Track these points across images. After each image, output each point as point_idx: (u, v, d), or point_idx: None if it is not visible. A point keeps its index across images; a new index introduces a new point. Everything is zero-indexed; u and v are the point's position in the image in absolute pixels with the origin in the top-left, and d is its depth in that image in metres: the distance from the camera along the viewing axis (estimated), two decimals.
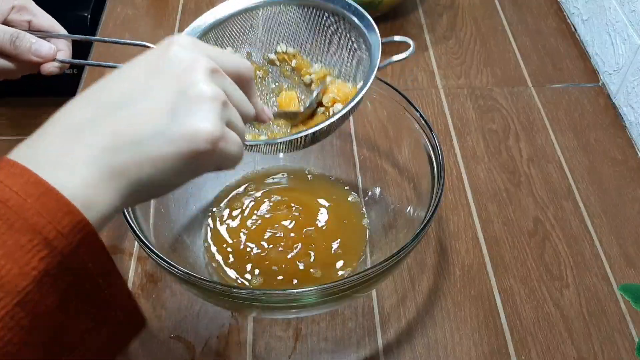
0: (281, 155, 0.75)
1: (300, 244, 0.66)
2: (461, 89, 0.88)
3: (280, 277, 0.63)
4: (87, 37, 0.60)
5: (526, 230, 0.71)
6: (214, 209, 0.70)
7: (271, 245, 0.66)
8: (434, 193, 0.57)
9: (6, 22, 0.54)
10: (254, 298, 0.52)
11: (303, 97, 0.60)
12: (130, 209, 0.55)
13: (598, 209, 0.73)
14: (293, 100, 0.59)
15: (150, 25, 0.98)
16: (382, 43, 0.53)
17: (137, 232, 0.53)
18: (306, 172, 0.74)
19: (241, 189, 0.72)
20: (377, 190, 0.71)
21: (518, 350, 0.60)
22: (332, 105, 0.56)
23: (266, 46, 0.59)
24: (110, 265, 0.32)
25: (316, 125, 0.50)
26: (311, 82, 0.59)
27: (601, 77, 0.90)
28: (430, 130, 0.61)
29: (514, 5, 1.02)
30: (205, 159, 0.35)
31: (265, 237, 0.66)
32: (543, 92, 0.87)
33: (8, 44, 0.53)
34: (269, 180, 0.73)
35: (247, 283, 0.63)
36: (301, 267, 0.64)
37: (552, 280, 0.66)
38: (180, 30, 0.94)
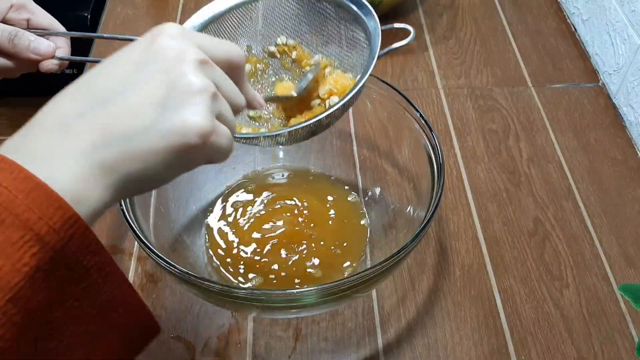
0: (281, 155, 0.75)
1: (300, 243, 0.66)
2: (461, 89, 0.88)
3: (280, 277, 0.63)
4: (85, 33, 0.60)
5: (526, 230, 0.71)
6: (214, 209, 0.70)
7: (271, 245, 0.66)
8: (434, 193, 0.57)
9: (5, 21, 0.54)
10: (254, 298, 0.52)
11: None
12: (130, 209, 0.55)
13: (598, 209, 0.73)
14: (289, 91, 0.59)
15: (150, 25, 0.97)
16: (382, 31, 0.53)
17: (137, 232, 0.53)
18: (306, 172, 0.74)
19: (241, 189, 0.72)
20: (377, 190, 0.71)
21: (518, 350, 0.60)
22: (329, 98, 0.55)
23: (266, 39, 0.59)
24: (106, 260, 0.32)
25: (315, 117, 0.50)
26: (319, 67, 0.59)
27: (601, 77, 0.90)
28: (430, 130, 0.61)
29: (514, 5, 1.02)
30: (196, 153, 0.34)
31: (265, 237, 0.66)
32: (543, 92, 0.87)
33: (7, 42, 0.53)
34: (269, 180, 0.73)
35: (247, 283, 0.63)
36: (301, 267, 0.64)
37: (552, 280, 0.66)
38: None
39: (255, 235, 0.67)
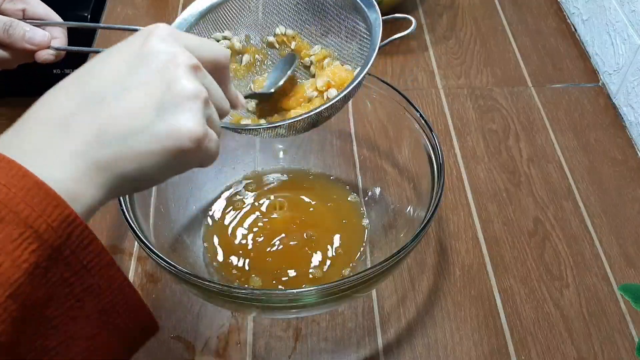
0: (281, 155, 0.75)
1: (300, 243, 0.66)
2: (461, 89, 0.88)
3: (280, 277, 0.63)
4: (81, 23, 0.60)
5: (526, 230, 0.71)
6: (214, 209, 0.70)
7: (271, 245, 0.66)
8: (434, 193, 0.57)
9: (0, 12, 0.54)
10: (254, 298, 0.52)
11: (302, 79, 0.59)
12: (130, 209, 0.55)
13: (598, 209, 0.73)
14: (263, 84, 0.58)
15: (150, 25, 0.97)
16: (382, 22, 0.53)
17: (137, 232, 0.53)
18: (306, 172, 0.74)
19: (241, 188, 0.72)
20: (377, 190, 0.71)
21: (518, 350, 0.60)
22: (327, 90, 0.55)
23: (265, 29, 0.59)
24: (105, 259, 0.32)
25: (316, 108, 0.50)
26: (311, 64, 0.58)
27: (601, 77, 0.90)
28: (430, 130, 0.61)
29: (514, 5, 1.02)
30: (189, 157, 0.35)
31: (265, 236, 0.66)
32: (543, 92, 0.87)
33: (2, 33, 0.53)
34: (269, 180, 0.73)
35: (247, 283, 0.63)
36: (301, 267, 0.64)
37: (552, 280, 0.66)
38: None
39: (255, 235, 0.67)
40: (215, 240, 0.67)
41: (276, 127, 0.51)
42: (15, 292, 0.29)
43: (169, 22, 0.55)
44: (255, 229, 0.67)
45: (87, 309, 0.32)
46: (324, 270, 0.64)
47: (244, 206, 0.70)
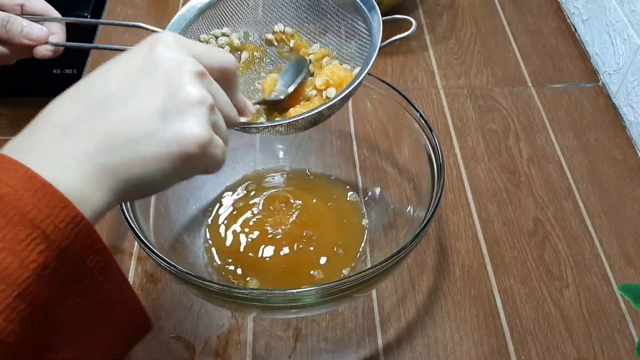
0: (281, 155, 0.75)
1: (300, 243, 0.66)
2: (461, 89, 0.88)
3: (280, 277, 0.63)
4: (81, 19, 0.60)
5: (526, 230, 0.71)
6: (214, 209, 0.70)
7: (271, 245, 0.66)
8: (434, 193, 0.57)
9: None
10: (254, 298, 0.52)
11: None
12: (130, 209, 0.55)
13: (598, 209, 0.73)
14: (275, 83, 0.58)
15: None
16: (383, 23, 0.53)
17: (137, 232, 0.53)
18: (306, 172, 0.74)
19: (241, 188, 0.72)
20: (377, 190, 0.71)
21: (518, 350, 0.60)
22: (326, 89, 0.55)
23: (264, 26, 0.59)
24: (108, 259, 0.33)
25: (316, 108, 0.50)
26: (309, 62, 0.58)
27: (601, 77, 0.90)
28: (430, 130, 0.61)
29: (514, 5, 1.02)
30: (195, 162, 0.35)
31: (265, 236, 0.66)
32: (543, 92, 0.87)
33: None
34: (269, 180, 0.73)
35: (247, 283, 0.63)
36: (301, 267, 0.64)
37: (552, 280, 0.66)
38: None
39: (255, 235, 0.67)
40: (215, 240, 0.67)
41: (276, 125, 0.51)
42: (24, 292, 0.29)
43: (169, 22, 0.55)
44: (255, 229, 0.67)
45: (87, 305, 0.33)
46: (324, 270, 0.64)
47: (244, 206, 0.70)
